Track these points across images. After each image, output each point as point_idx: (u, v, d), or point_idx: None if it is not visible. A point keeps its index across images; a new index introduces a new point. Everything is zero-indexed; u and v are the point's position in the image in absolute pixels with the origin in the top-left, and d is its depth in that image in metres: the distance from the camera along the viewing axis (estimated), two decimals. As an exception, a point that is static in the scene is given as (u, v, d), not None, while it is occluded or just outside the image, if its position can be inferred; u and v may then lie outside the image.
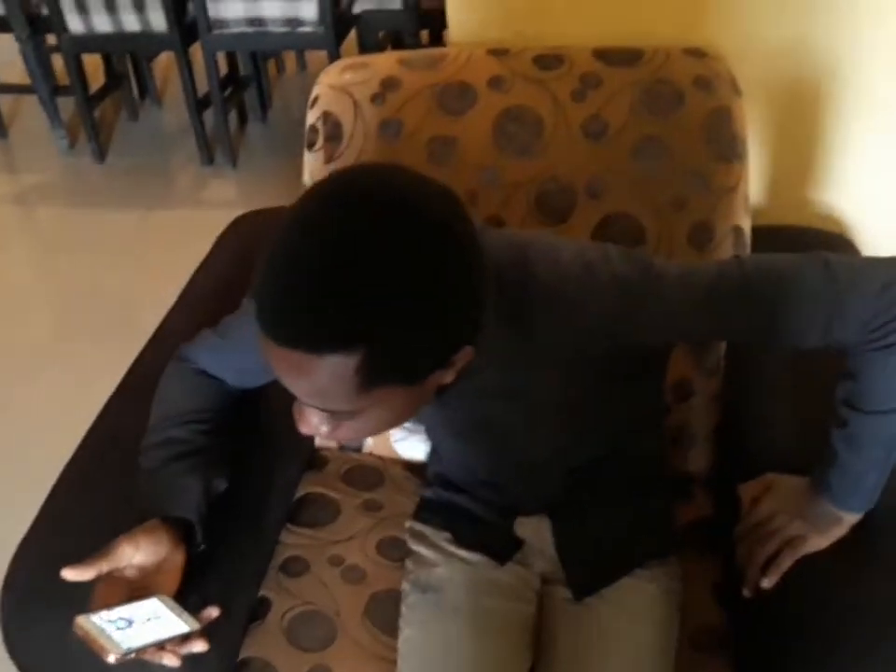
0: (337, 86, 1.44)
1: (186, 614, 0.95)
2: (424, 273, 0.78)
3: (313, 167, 1.43)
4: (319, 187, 0.82)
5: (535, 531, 1.22)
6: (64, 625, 1.04)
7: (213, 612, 0.98)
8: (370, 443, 1.49)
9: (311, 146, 1.44)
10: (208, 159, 3.51)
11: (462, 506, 1.26)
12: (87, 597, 1.02)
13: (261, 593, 1.27)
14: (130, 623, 0.91)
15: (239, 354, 1.14)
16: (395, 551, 1.31)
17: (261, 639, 1.22)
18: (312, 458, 1.48)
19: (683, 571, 1.22)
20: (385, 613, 1.23)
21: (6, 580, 1.08)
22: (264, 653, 1.20)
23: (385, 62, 1.46)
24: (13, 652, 1.08)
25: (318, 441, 1.51)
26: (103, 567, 0.96)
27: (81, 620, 0.89)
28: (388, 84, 1.42)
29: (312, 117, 1.44)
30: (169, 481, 1.07)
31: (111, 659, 0.88)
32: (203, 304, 1.45)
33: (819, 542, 1.06)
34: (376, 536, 1.34)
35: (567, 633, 1.15)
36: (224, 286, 1.49)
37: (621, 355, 0.99)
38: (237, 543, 1.22)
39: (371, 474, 1.46)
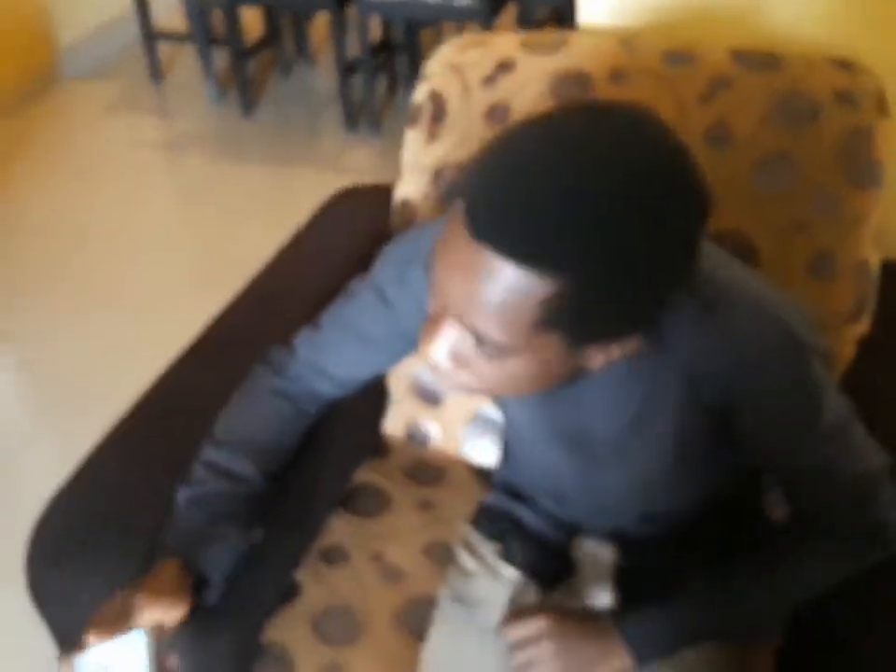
0: (449, 64, 1.37)
1: (154, 663, 0.93)
2: (660, 232, 0.72)
3: (413, 146, 1.37)
4: (575, 105, 0.77)
5: (594, 556, 1.14)
6: (92, 579, 1.04)
7: (170, 662, 0.96)
8: (437, 439, 1.43)
9: (413, 122, 1.38)
10: (352, 124, 3.51)
11: (520, 518, 1.18)
12: (113, 554, 1.02)
13: (297, 577, 1.24)
14: (106, 668, 0.91)
15: (353, 343, 1.10)
16: (441, 555, 1.24)
17: (286, 624, 1.18)
18: (377, 445, 1.44)
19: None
20: (418, 619, 1.17)
21: (35, 532, 1.07)
22: (285, 639, 1.16)
23: (506, 42, 1.38)
24: (40, 606, 1.08)
25: (389, 428, 1.45)
26: (127, 626, 0.93)
27: (64, 663, 0.90)
28: (503, 66, 1.34)
29: (419, 94, 1.38)
30: (211, 529, 1.03)
31: None
32: (292, 271, 1.43)
33: None
34: (424, 537, 1.28)
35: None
36: (313, 257, 1.46)
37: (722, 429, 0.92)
38: (283, 521, 1.19)
39: (433, 471, 1.40)
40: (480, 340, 0.77)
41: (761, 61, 1.26)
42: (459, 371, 0.82)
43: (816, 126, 1.20)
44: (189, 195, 3.29)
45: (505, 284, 0.72)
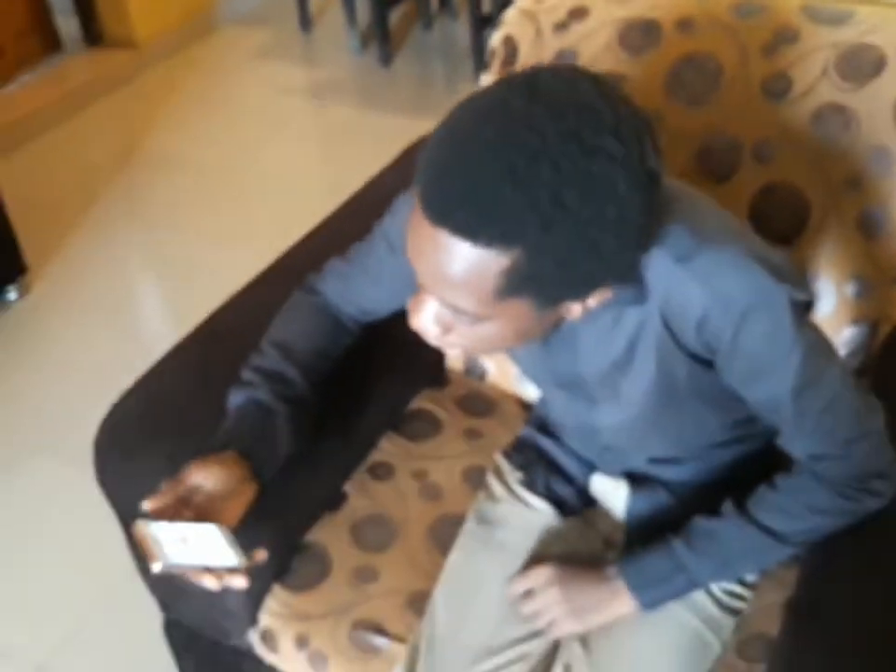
0: (526, 10, 1.41)
1: (238, 548, 0.99)
2: (606, 189, 0.74)
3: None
4: (512, 77, 0.79)
5: (610, 491, 1.19)
6: (150, 462, 1.17)
7: (261, 555, 1.00)
8: (492, 373, 1.50)
9: (487, 68, 1.43)
10: (479, 73, 3.55)
11: (547, 451, 1.24)
12: (170, 440, 1.14)
13: (344, 487, 1.34)
14: (185, 540, 0.96)
15: (370, 280, 1.17)
16: (479, 479, 1.32)
17: (328, 528, 1.29)
18: (436, 376, 1.52)
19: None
20: (447, 535, 1.25)
21: (104, 420, 1.21)
22: (325, 540, 1.27)
23: (583, -11, 1.40)
24: (105, 488, 1.22)
25: (435, 345, 1.53)
26: (178, 490, 0.99)
27: (141, 524, 0.95)
28: (576, 13, 1.37)
29: (495, 39, 1.43)
30: (264, 420, 1.08)
31: (156, 568, 0.93)
32: (359, 212, 1.51)
33: (573, 629, 1.08)
34: (466, 461, 1.36)
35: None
36: (382, 200, 1.53)
37: (708, 370, 0.95)
38: (339, 437, 1.29)
39: (485, 403, 1.47)
40: (455, 310, 0.83)
41: (831, 14, 1.24)
42: (447, 335, 0.88)
43: (878, 81, 1.18)
44: (328, 141, 3.43)
45: (463, 261, 0.77)
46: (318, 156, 3.36)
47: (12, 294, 2.52)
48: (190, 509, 0.99)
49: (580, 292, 0.83)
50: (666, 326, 0.91)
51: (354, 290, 1.19)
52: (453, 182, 0.75)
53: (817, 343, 0.92)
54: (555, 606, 1.08)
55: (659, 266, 0.87)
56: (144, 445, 1.17)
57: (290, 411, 1.11)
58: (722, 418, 1.06)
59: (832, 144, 1.20)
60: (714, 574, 1.06)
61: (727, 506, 1.03)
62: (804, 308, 0.90)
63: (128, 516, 1.23)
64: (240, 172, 3.12)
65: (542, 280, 0.78)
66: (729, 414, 1.06)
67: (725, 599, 1.11)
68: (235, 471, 1.03)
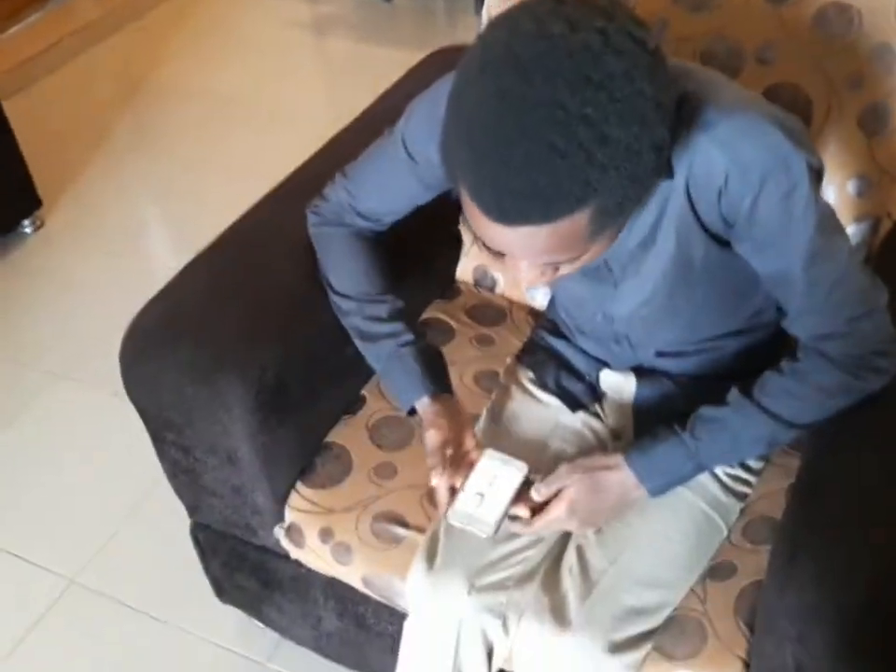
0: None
1: (510, 459, 1.07)
2: (635, 101, 0.77)
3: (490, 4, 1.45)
4: (491, 56, 0.79)
5: (619, 385, 1.24)
6: (169, 368, 1.22)
7: None
8: (502, 283, 1.54)
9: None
10: (479, 7, 3.53)
11: (558, 350, 1.29)
12: (188, 348, 1.19)
13: (362, 391, 1.39)
14: (481, 495, 1.05)
15: (379, 181, 1.20)
16: (489, 383, 1.36)
17: (347, 430, 1.34)
18: (446, 289, 1.56)
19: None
20: (460, 434, 1.30)
21: (128, 330, 1.25)
22: (345, 441, 1.33)
23: None
24: (129, 392, 1.27)
25: (460, 274, 1.57)
26: (444, 462, 1.09)
27: (450, 514, 1.05)
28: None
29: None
30: (410, 374, 1.17)
31: (488, 536, 1.04)
32: (371, 127, 1.53)
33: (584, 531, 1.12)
34: (477, 366, 1.40)
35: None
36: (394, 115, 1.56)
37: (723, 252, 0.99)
38: (354, 348, 1.33)
39: (496, 313, 1.51)
40: (558, 262, 0.89)
41: (833, -89, 1.25)
42: (552, 274, 0.93)
43: (880, -24, 1.20)
44: (330, 74, 3.44)
45: (551, 237, 0.82)
46: (322, 88, 3.37)
47: (28, 228, 2.56)
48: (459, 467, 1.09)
49: (652, 185, 0.87)
50: (690, 199, 0.95)
51: (360, 203, 1.22)
52: (508, 187, 0.78)
53: (829, 215, 0.96)
54: (567, 524, 1.10)
55: (682, 138, 0.91)
56: (165, 352, 1.22)
57: (417, 349, 1.19)
58: (732, 307, 1.10)
59: (834, 42, 1.22)
60: (721, 459, 1.11)
61: (733, 393, 1.06)
62: (817, 176, 0.93)
63: (153, 422, 1.28)
64: (246, 104, 3.13)
65: (622, 204, 0.82)
66: (738, 304, 1.10)
67: (731, 484, 1.17)
68: (445, 410, 1.15)
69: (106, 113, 3.10)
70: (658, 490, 1.10)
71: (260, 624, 1.56)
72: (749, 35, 1.27)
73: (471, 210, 0.84)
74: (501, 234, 0.84)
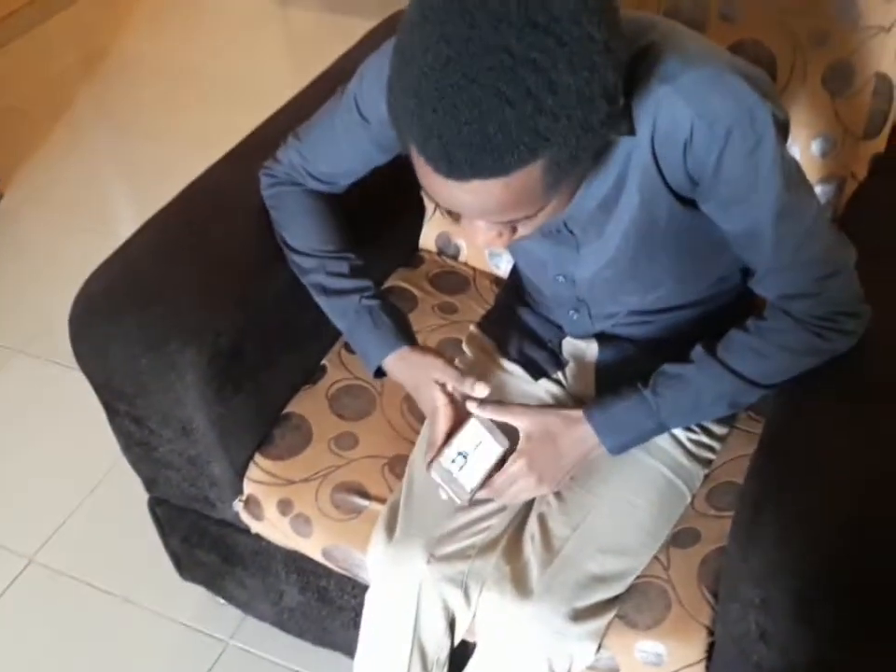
0: None
1: (496, 430, 1.05)
2: (583, 46, 0.73)
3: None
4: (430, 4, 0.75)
5: (581, 352, 1.21)
6: (116, 336, 1.18)
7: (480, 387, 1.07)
8: (465, 251, 1.51)
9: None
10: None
11: (520, 318, 1.26)
12: (135, 315, 1.15)
13: (323, 361, 1.36)
14: (465, 456, 1.04)
15: (331, 141, 1.16)
16: (452, 350, 1.33)
17: (307, 400, 1.32)
18: (409, 257, 1.53)
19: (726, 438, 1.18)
20: (423, 403, 1.28)
21: (77, 297, 1.22)
22: (304, 411, 1.30)
23: None
24: (78, 359, 1.23)
25: (422, 242, 1.54)
26: (446, 420, 1.07)
27: (434, 467, 1.04)
28: None
29: None
30: (380, 327, 1.14)
31: (462, 503, 1.04)
32: (327, 89, 1.50)
33: (547, 492, 1.11)
34: (439, 335, 1.38)
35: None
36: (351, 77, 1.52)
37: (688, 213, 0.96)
38: (314, 314, 1.30)
39: (459, 281, 1.48)
40: (514, 221, 0.86)
41: None
42: (510, 236, 0.90)
43: (844, -71, 1.17)
44: (294, 44, 3.38)
45: (505, 191, 0.78)
46: (285, 59, 3.31)
47: (-16, 202, 2.50)
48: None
49: (605, 136, 0.82)
50: (655, 157, 0.92)
51: (312, 164, 1.19)
52: (458, 139, 0.75)
53: (796, 171, 0.93)
54: (525, 486, 1.08)
55: (645, 91, 0.88)
56: (113, 318, 1.18)
57: (378, 304, 1.17)
58: (695, 272, 1.08)
59: (797, -1, 1.20)
60: (683, 418, 1.09)
61: (696, 350, 1.04)
62: (784, 130, 0.91)
63: (105, 392, 1.25)
64: (208, 75, 3.07)
65: (576, 156, 0.79)
66: (702, 270, 1.08)
67: (695, 450, 1.15)
68: (417, 360, 1.13)
69: (66, 86, 3.03)
70: (618, 448, 1.08)
71: (222, 601, 1.53)
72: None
73: (422, 168, 0.81)
74: (453, 192, 0.80)
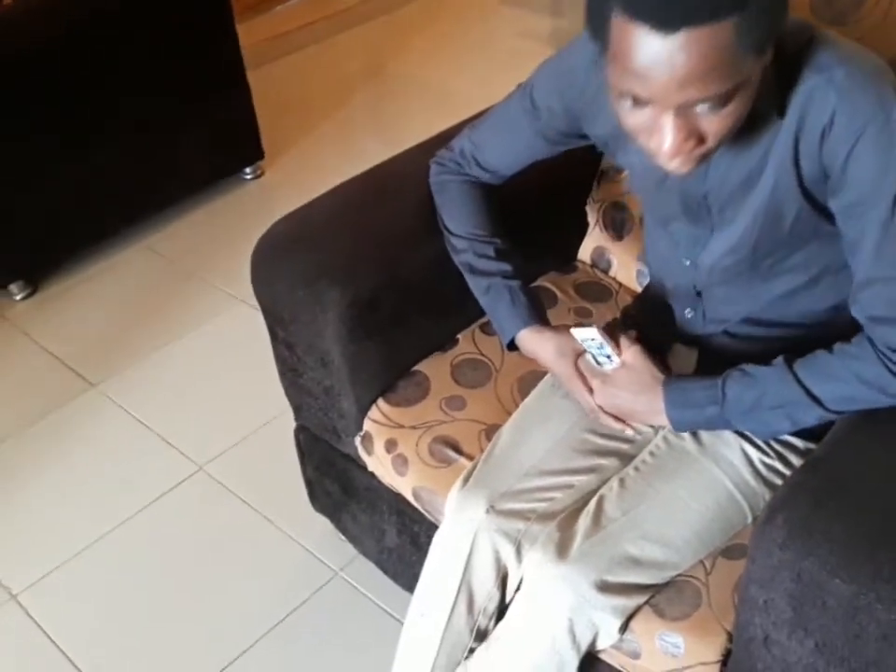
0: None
1: (587, 328, 1.20)
2: None
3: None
4: None
5: (683, 360, 1.29)
6: (285, 273, 1.40)
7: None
8: (615, 268, 1.61)
9: None
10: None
11: (637, 322, 1.36)
12: (302, 259, 1.37)
13: (458, 336, 1.52)
14: (601, 346, 1.20)
15: (500, 132, 1.33)
16: (575, 348, 1.44)
17: (434, 364, 1.48)
18: (564, 263, 1.65)
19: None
20: (532, 386, 1.39)
21: (260, 239, 1.46)
22: (428, 371, 1.46)
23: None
24: (256, 291, 1.47)
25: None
26: (581, 379, 1.24)
27: (574, 330, 1.21)
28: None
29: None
30: (516, 305, 1.29)
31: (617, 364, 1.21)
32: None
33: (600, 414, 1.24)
34: (568, 332, 1.49)
35: (655, 455, 1.23)
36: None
37: (811, 222, 1.04)
38: (463, 295, 1.46)
39: (602, 291, 1.59)
40: (702, 103, 0.88)
41: None
42: (695, 145, 0.93)
43: None
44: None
45: (708, 46, 0.83)
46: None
47: (248, 175, 2.89)
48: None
49: (778, 27, 0.89)
50: (796, 145, 0.99)
51: (483, 154, 1.35)
52: None
53: None
54: (597, 395, 1.23)
55: (800, 79, 0.97)
56: (283, 258, 1.41)
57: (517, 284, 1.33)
58: (809, 286, 1.14)
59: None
60: (744, 416, 1.12)
61: (777, 358, 1.10)
62: None
63: (270, 317, 1.47)
64: (472, 100, 3.30)
65: (761, 44, 0.86)
66: (816, 286, 1.14)
67: (764, 472, 1.18)
68: (549, 337, 1.29)
69: (343, 90, 3.42)
70: (678, 421, 1.16)
71: (342, 537, 1.71)
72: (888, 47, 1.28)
73: (626, 39, 0.85)
74: (657, 54, 0.84)
